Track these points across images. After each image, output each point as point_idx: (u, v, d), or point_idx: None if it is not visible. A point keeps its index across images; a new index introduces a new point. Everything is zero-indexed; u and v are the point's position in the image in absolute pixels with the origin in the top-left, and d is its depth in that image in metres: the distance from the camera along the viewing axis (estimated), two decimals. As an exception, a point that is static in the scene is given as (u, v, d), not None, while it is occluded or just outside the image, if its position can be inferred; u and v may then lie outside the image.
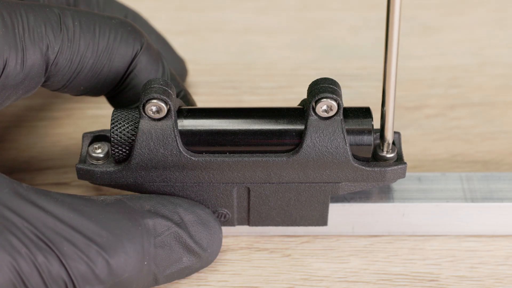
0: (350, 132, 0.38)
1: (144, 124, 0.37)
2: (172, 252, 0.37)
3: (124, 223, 0.36)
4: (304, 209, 0.40)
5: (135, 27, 0.40)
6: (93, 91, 0.40)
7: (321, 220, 0.41)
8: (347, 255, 0.41)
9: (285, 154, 0.38)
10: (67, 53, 0.37)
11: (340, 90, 0.38)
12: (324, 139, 0.37)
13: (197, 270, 0.39)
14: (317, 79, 0.38)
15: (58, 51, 0.37)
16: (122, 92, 0.40)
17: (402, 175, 0.39)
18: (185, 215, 0.38)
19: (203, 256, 0.38)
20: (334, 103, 0.37)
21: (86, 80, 0.39)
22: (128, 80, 0.40)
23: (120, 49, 0.39)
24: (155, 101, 0.37)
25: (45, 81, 0.38)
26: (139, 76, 0.40)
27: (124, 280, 0.35)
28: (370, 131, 0.38)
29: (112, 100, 0.41)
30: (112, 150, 0.38)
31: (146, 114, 0.37)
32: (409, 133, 0.48)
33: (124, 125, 0.38)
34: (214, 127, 0.38)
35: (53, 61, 0.37)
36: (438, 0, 0.60)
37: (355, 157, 0.38)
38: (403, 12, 0.58)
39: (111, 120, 0.38)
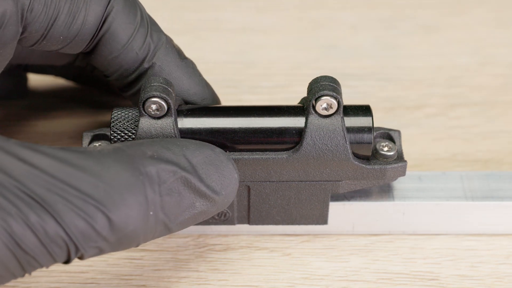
0: (350, 130, 0.38)
1: (144, 122, 0.37)
2: (182, 198, 0.34)
3: (123, 174, 0.33)
4: (304, 208, 0.40)
5: None
6: (72, 43, 0.38)
7: (321, 218, 0.41)
8: (347, 254, 0.41)
9: (285, 152, 0.38)
10: None
11: (340, 88, 0.37)
12: (324, 137, 0.37)
13: (214, 213, 0.36)
14: (317, 77, 0.38)
15: None
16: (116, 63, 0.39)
17: (402, 173, 0.39)
18: (192, 157, 0.35)
19: (217, 200, 0.35)
20: (334, 101, 0.37)
21: (65, 28, 0.37)
22: (105, 26, 0.38)
23: None
24: (155, 99, 0.37)
25: (22, 33, 0.36)
26: (116, 20, 0.38)
27: (129, 233, 0.33)
28: (370, 129, 0.38)
29: (123, 89, 0.40)
30: (112, 148, 0.38)
31: (146, 113, 0.37)
32: (409, 132, 0.48)
33: (124, 124, 0.38)
34: (214, 126, 0.38)
35: (28, 7, 0.36)
36: (438, 0, 0.60)
37: (355, 155, 0.38)
38: (404, 11, 0.59)
39: (111, 119, 0.38)
